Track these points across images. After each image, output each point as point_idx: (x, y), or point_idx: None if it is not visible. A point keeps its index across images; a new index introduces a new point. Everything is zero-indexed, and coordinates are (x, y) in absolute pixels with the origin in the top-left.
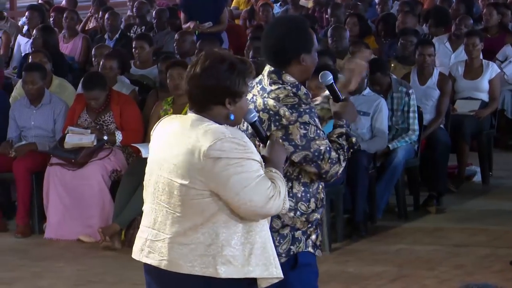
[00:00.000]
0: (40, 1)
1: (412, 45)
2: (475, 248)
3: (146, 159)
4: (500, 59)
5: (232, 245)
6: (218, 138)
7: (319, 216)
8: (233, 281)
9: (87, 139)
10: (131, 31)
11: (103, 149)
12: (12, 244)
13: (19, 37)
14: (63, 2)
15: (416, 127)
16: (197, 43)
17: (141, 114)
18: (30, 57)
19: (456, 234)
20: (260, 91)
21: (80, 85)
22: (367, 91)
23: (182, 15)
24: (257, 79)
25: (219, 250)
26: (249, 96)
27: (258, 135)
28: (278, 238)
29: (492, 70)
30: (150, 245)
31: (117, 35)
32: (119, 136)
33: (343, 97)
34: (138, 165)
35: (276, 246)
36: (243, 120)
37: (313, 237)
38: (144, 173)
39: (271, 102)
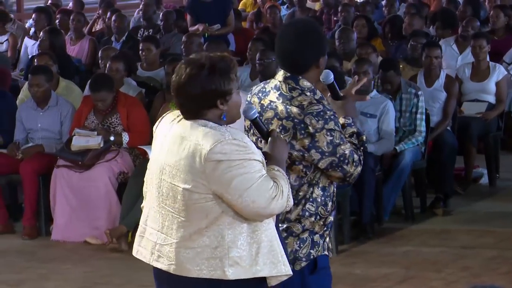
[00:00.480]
0: (47, 3)
1: (421, 47)
2: (482, 250)
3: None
4: (507, 61)
5: (239, 246)
6: (218, 140)
7: (332, 219)
8: (242, 282)
9: (94, 141)
10: (138, 34)
11: (110, 151)
12: (19, 246)
13: (26, 39)
14: (70, 4)
15: (423, 128)
16: (204, 45)
17: (148, 116)
18: (36, 59)
19: (463, 236)
20: (280, 98)
21: (87, 87)
22: (374, 93)
23: (188, 18)
24: (271, 84)
25: (225, 252)
26: (266, 102)
27: (260, 131)
28: (298, 242)
29: (499, 72)
30: (160, 249)
31: (124, 37)
32: (125, 138)
33: (342, 95)
34: (145, 167)
35: (296, 251)
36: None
37: (327, 239)
38: None
39: (295, 110)
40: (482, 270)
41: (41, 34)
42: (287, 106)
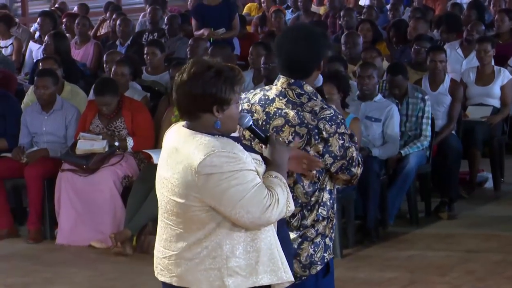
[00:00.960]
0: (52, 8)
1: (426, 51)
2: (486, 254)
3: (157, 165)
4: None
5: (237, 255)
6: (207, 153)
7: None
8: None
9: (99, 145)
10: (143, 38)
11: (115, 155)
12: (23, 249)
13: (31, 43)
14: (75, 9)
15: (429, 133)
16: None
17: (153, 120)
18: (40, 63)
19: (468, 240)
20: (289, 104)
21: (91, 91)
22: (379, 97)
23: (193, 22)
24: (274, 91)
25: (224, 262)
26: (272, 110)
27: (258, 137)
28: (313, 246)
29: (504, 76)
30: (160, 263)
31: (128, 41)
32: (130, 142)
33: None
34: (149, 171)
35: (311, 255)
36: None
37: (333, 241)
38: (155, 179)
39: (308, 115)
40: (487, 274)
41: (46, 38)
42: (299, 113)
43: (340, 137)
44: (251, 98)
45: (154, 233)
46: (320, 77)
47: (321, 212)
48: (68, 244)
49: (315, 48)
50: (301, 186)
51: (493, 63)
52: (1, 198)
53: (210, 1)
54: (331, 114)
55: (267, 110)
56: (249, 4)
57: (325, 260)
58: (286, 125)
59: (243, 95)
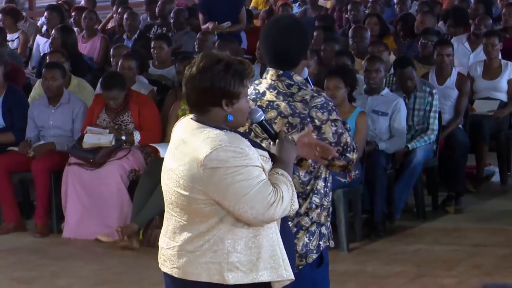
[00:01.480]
0: (59, 1)
1: (433, 45)
2: (493, 248)
3: (164, 159)
4: None
5: (239, 251)
6: (214, 147)
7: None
8: (245, 287)
9: (106, 139)
10: (151, 32)
11: (122, 149)
12: (30, 243)
13: (38, 37)
14: (82, 2)
15: (436, 127)
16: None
17: (160, 114)
18: (48, 57)
19: (475, 234)
20: (280, 96)
21: (98, 85)
22: (386, 91)
23: (200, 16)
24: (264, 85)
25: (225, 257)
26: (264, 103)
27: (268, 133)
28: (308, 235)
29: (511, 70)
30: (164, 253)
31: (135, 35)
32: (137, 136)
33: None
34: (156, 165)
35: (307, 244)
36: (248, 121)
37: (330, 229)
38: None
39: (299, 105)
40: (494, 268)
41: (53, 32)
42: (290, 103)
43: (333, 124)
44: None
45: (160, 227)
46: (306, 69)
47: (314, 200)
48: (75, 238)
49: (301, 37)
50: (297, 176)
51: (500, 57)
52: (8, 192)
53: None
54: (322, 102)
55: (259, 103)
56: None
57: (321, 248)
58: (279, 117)
59: None
